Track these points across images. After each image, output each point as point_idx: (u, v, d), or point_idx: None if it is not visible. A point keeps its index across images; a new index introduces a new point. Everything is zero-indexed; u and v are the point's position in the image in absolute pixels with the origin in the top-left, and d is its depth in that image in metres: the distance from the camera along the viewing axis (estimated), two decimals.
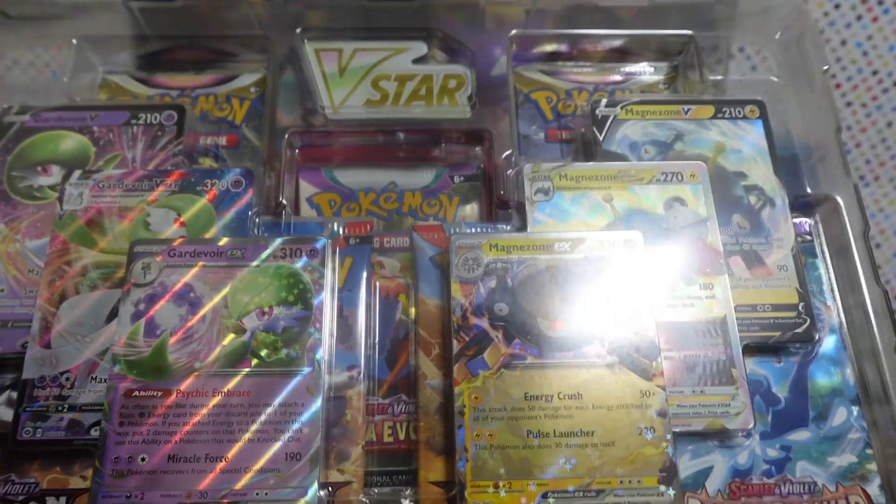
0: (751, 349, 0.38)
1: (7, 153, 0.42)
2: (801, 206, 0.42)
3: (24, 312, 0.37)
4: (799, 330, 0.38)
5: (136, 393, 0.33)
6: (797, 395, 0.38)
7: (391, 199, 0.41)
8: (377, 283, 0.38)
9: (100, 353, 0.36)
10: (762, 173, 0.42)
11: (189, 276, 0.36)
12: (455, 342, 0.35)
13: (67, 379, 0.35)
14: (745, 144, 0.43)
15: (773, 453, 0.36)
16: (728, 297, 0.38)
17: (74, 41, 0.46)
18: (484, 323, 0.35)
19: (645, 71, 0.47)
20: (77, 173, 0.40)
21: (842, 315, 0.40)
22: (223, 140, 0.44)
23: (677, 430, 0.34)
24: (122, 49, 0.47)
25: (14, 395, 0.36)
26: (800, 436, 0.36)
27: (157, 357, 0.34)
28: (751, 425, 0.35)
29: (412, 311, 0.37)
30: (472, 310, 0.35)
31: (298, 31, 0.43)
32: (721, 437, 0.35)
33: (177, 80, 0.47)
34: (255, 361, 0.34)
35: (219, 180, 0.40)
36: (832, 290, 0.41)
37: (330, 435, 0.34)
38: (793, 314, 0.38)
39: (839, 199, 0.42)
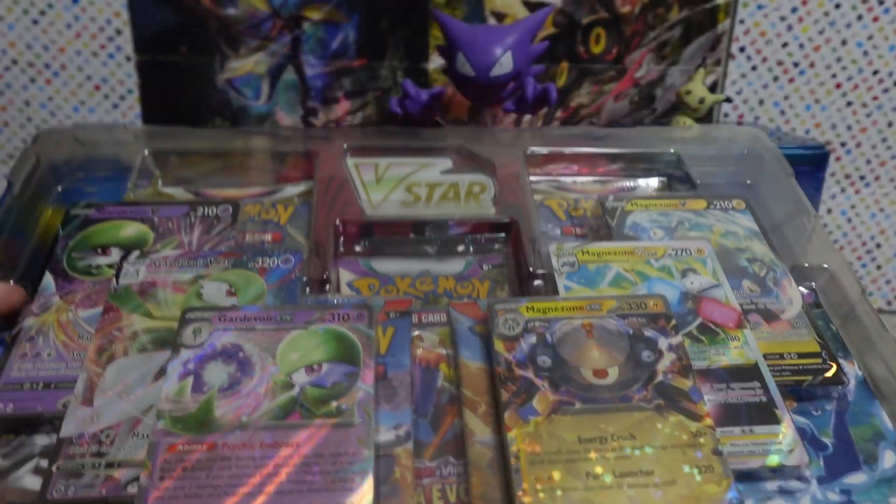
0: (787, 398, 0.39)
1: (69, 238, 0.44)
2: (797, 276, 0.46)
3: (70, 374, 0.37)
4: (828, 374, 0.40)
5: (181, 447, 0.32)
6: (842, 441, 0.39)
7: (426, 282, 0.43)
8: (418, 354, 0.39)
9: (144, 410, 0.35)
10: (760, 249, 0.47)
11: (239, 337, 0.36)
12: (503, 391, 0.35)
13: (107, 436, 0.34)
14: (739, 228, 0.48)
15: (834, 497, 0.36)
16: (755, 346, 0.40)
17: (146, 152, 0.50)
18: (529, 374, 0.36)
19: (640, 185, 0.54)
20: (135, 253, 0.42)
21: (863, 368, 0.42)
22: (268, 237, 0.46)
23: (734, 468, 0.34)
24: (180, 166, 0.52)
25: (43, 462, 0.34)
26: (856, 479, 0.37)
27: (203, 412, 0.33)
28: (806, 460, 0.36)
29: (454, 376, 0.38)
30: (516, 363, 0.36)
31: (345, 146, 0.49)
32: (778, 475, 0.36)
33: (226, 192, 0.50)
34: (303, 414, 0.33)
35: (269, 258, 0.42)
36: (848, 345, 0.44)
37: (379, 494, 0.33)
38: (818, 360, 0.41)
39: (833, 270, 0.46)
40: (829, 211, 0.77)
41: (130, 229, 0.45)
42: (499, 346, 0.37)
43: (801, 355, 0.41)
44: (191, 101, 0.71)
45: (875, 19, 0.71)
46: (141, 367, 0.36)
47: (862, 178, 0.76)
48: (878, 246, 0.78)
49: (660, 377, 0.36)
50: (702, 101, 0.62)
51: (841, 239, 0.78)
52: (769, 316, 0.43)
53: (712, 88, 0.73)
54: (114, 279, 0.41)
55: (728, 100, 0.65)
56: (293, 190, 0.49)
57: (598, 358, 0.37)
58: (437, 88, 0.63)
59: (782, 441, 0.36)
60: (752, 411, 0.37)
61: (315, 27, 0.70)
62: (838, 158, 0.76)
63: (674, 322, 0.39)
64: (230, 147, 0.52)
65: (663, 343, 0.38)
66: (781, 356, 0.41)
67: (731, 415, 0.37)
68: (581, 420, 0.34)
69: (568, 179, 0.53)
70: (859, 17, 0.71)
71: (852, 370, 0.41)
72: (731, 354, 0.39)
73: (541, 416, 0.34)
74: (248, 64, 0.71)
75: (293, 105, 0.72)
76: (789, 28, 0.71)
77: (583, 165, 0.53)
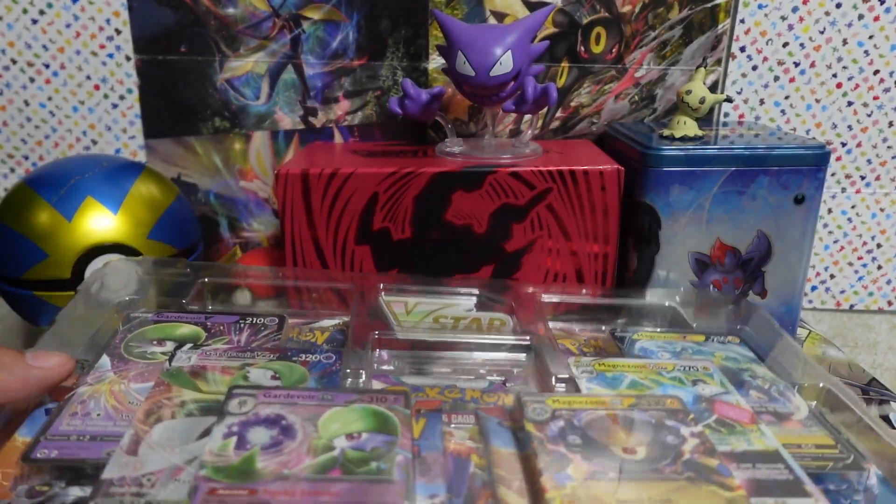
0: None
1: (128, 332, 0.47)
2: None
3: (117, 430, 0.37)
4: (848, 461, 0.40)
5: (221, 490, 0.31)
6: None
7: (454, 391, 0.46)
8: (450, 446, 0.40)
9: (187, 461, 0.35)
10: (760, 370, 0.50)
11: (282, 409, 0.37)
12: (537, 461, 0.36)
13: (149, 480, 0.34)
14: (738, 355, 0.53)
15: None
16: (772, 436, 0.41)
17: (205, 280, 0.55)
18: (561, 448, 0.37)
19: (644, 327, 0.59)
20: (189, 345, 0.45)
21: (883, 469, 0.42)
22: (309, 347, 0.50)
23: None
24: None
25: None
26: None
27: (246, 463, 0.33)
28: None
29: (485, 464, 0.39)
30: (548, 440, 0.37)
31: (380, 286, 0.54)
32: None
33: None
34: (344, 470, 0.34)
35: (312, 354, 0.46)
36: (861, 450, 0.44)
37: None
38: (836, 451, 0.41)
39: (830, 387, 0.48)
40: (830, 211, 0.77)
41: (185, 329, 0.48)
42: (530, 427, 0.38)
43: (818, 446, 0.42)
44: (190, 101, 0.71)
45: (876, 19, 0.71)
46: (187, 428, 0.37)
47: (862, 177, 0.76)
48: (879, 246, 0.78)
49: (687, 456, 0.37)
50: (702, 100, 0.62)
51: (841, 239, 0.78)
52: (781, 417, 0.44)
53: (713, 88, 0.73)
54: (167, 362, 0.43)
55: (728, 99, 0.64)
56: (329, 322, 0.54)
57: (626, 438, 0.38)
58: (437, 88, 0.63)
59: None
60: (781, 486, 0.37)
61: (315, 27, 0.70)
62: (839, 158, 0.75)
63: (692, 416, 0.40)
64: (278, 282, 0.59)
65: (685, 430, 0.39)
66: (799, 446, 0.41)
67: (762, 489, 0.37)
68: (617, 486, 0.35)
69: (576, 327, 0.58)
70: (860, 17, 0.71)
71: (873, 470, 0.41)
72: (751, 442, 0.40)
73: (577, 482, 0.35)
74: (247, 64, 0.71)
75: (293, 105, 0.72)
76: (790, 28, 0.71)
77: (589, 317, 0.59)
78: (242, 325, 0.49)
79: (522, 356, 0.50)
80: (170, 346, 0.46)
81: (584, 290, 0.60)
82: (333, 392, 0.39)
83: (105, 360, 0.43)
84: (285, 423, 0.36)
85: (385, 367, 0.49)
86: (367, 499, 0.32)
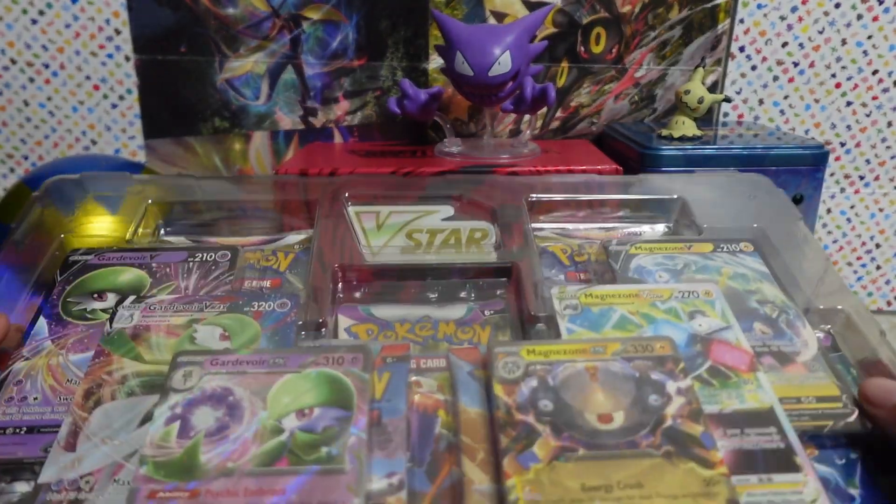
0: (808, 446, 0.37)
1: (67, 284, 0.43)
2: (812, 319, 0.44)
3: (55, 419, 0.36)
4: (850, 419, 0.37)
5: (162, 493, 0.30)
6: (870, 492, 0.36)
7: (426, 327, 0.42)
8: (416, 399, 0.37)
9: (127, 455, 0.33)
10: (771, 291, 0.45)
11: (230, 381, 0.35)
12: (502, 437, 0.33)
13: (87, 483, 0.32)
14: (748, 270, 0.46)
15: None
16: (770, 389, 0.37)
17: (149, 202, 0.50)
18: (530, 418, 0.34)
19: (645, 231, 0.52)
20: (131, 298, 0.41)
21: None
22: (267, 283, 0.46)
23: None
24: (183, 215, 0.51)
25: None
26: None
27: (188, 457, 0.31)
28: None
29: (452, 423, 0.36)
30: (517, 407, 0.34)
31: (345, 196, 0.48)
32: None
33: (227, 241, 0.50)
34: (292, 459, 0.32)
35: (265, 302, 0.41)
36: None
37: None
38: (839, 405, 0.38)
39: (849, 311, 0.44)
40: (829, 211, 0.77)
41: (128, 274, 0.44)
42: (498, 390, 0.35)
43: (819, 399, 0.38)
44: (190, 101, 0.71)
45: (875, 19, 0.71)
46: (128, 411, 0.35)
47: (861, 177, 0.76)
48: (878, 246, 0.78)
49: (668, 422, 0.34)
50: (701, 100, 0.62)
51: (840, 239, 0.78)
52: (783, 359, 0.40)
53: (712, 88, 0.73)
54: (107, 323, 0.40)
55: (727, 99, 0.64)
56: (294, 238, 0.49)
57: (603, 402, 0.35)
58: (436, 88, 0.63)
59: (804, 491, 0.33)
60: (769, 458, 0.34)
61: (315, 27, 0.70)
62: (838, 158, 0.75)
63: (682, 365, 0.37)
64: (232, 197, 0.52)
65: (671, 387, 0.36)
66: (798, 400, 0.38)
67: (747, 462, 0.34)
68: (585, 467, 0.32)
69: (571, 226, 0.52)
70: (859, 17, 0.71)
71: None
72: (744, 398, 0.37)
73: (542, 463, 0.32)
74: (247, 64, 0.71)
75: (292, 105, 0.72)
76: (789, 28, 0.71)
77: (586, 212, 0.52)
78: (191, 265, 0.45)
79: (504, 279, 0.46)
80: (112, 298, 0.42)
81: (579, 180, 0.53)
82: (286, 354, 0.36)
83: (42, 323, 0.40)
84: (232, 399, 0.34)
85: (356, 295, 0.45)
86: (314, 497, 0.30)
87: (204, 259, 0.45)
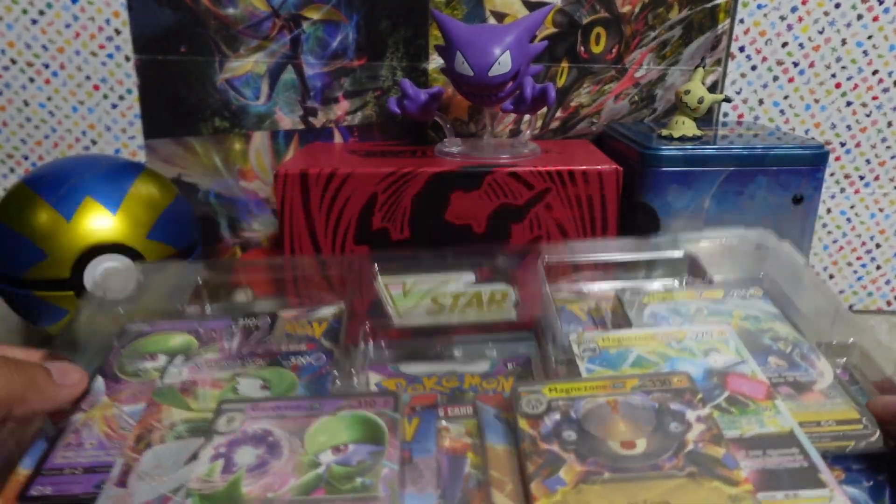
0: (833, 469, 0.37)
1: (122, 347, 0.48)
2: (826, 354, 0.44)
3: (108, 461, 0.38)
4: (872, 439, 0.37)
5: None
6: None
7: (452, 380, 0.45)
8: (445, 443, 0.39)
9: (174, 490, 0.35)
10: (783, 329, 0.46)
11: (270, 423, 0.37)
12: (528, 464, 0.34)
13: None
14: (759, 312, 0.48)
15: None
16: (788, 414, 0.38)
17: (199, 280, 0.55)
18: (554, 447, 0.35)
19: (657, 285, 0.54)
20: (180, 357, 0.46)
21: None
22: (303, 346, 0.49)
23: None
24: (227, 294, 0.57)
25: None
26: None
27: (230, 489, 0.34)
28: None
29: (481, 462, 0.38)
30: (541, 437, 0.36)
31: (375, 268, 0.53)
32: None
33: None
34: (328, 490, 0.34)
35: (302, 357, 0.45)
36: None
37: None
38: (859, 426, 0.38)
39: (863, 345, 0.44)
40: (829, 211, 0.77)
41: (177, 339, 0.49)
42: (523, 424, 0.37)
43: (839, 422, 0.38)
44: (190, 101, 0.71)
45: (875, 19, 0.71)
46: (175, 453, 0.37)
47: (861, 178, 0.76)
48: (878, 246, 0.78)
49: (690, 446, 0.35)
50: (701, 100, 0.62)
51: (841, 239, 0.78)
52: (800, 388, 0.41)
53: (712, 88, 0.73)
54: (158, 379, 0.44)
55: (727, 99, 0.64)
56: (328, 310, 0.53)
57: (625, 430, 0.36)
58: (436, 88, 0.63)
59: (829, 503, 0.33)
60: (793, 476, 0.34)
61: (315, 27, 0.70)
62: (838, 158, 0.75)
63: (700, 395, 0.38)
64: (274, 276, 0.58)
65: (691, 415, 0.36)
66: (818, 423, 0.38)
67: (772, 480, 0.34)
68: (611, 489, 0.33)
69: (586, 288, 0.54)
70: (859, 17, 0.71)
71: None
72: (763, 423, 0.37)
73: (568, 486, 0.33)
74: (247, 64, 0.71)
75: (292, 105, 0.72)
76: (789, 28, 0.71)
77: (600, 273, 0.55)
78: (234, 329, 0.50)
79: (524, 332, 0.48)
80: (163, 359, 0.47)
81: (591, 245, 0.56)
82: (321, 399, 0.39)
83: (99, 381, 0.44)
84: (272, 439, 0.36)
85: (382, 356, 0.48)
86: None
87: (246, 324, 0.50)
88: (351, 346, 0.46)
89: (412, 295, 0.50)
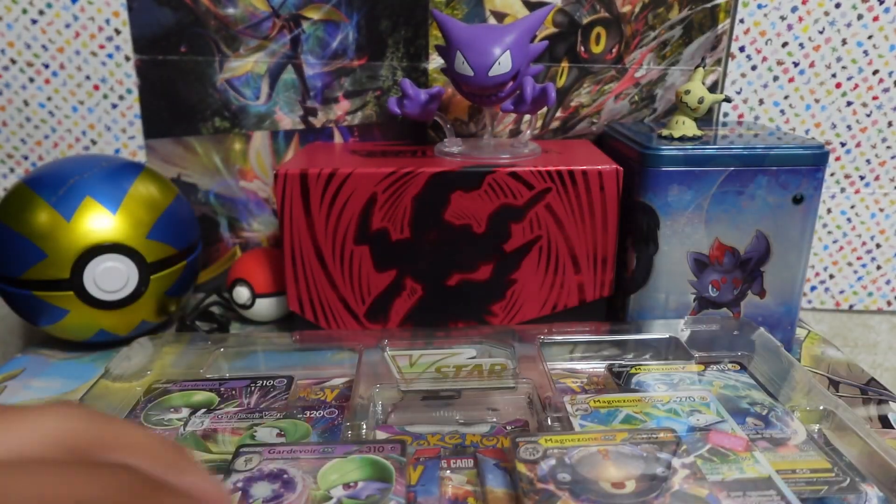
0: None
1: (149, 403, 0.51)
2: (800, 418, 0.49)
3: None
4: (844, 484, 0.41)
5: None
6: None
7: (455, 437, 0.48)
8: (448, 491, 0.42)
9: None
10: (759, 396, 0.51)
11: (285, 464, 0.40)
12: (526, 500, 0.37)
13: None
14: (738, 382, 0.53)
15: None
16: (766, 463, 0.41)
17: (221, 350, 0.59)
18: (550, 487, 0.38)
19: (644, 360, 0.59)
20: (202, 410, 0.49)
21: (885, 491, 0.42)
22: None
23: None
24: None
25: None
26: None
27: None
28: None
29: None
30: (538, 479, 0.39)
31: (384, 342, 0.57)
32: None
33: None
34: None
35: (316, 411, 0.49)
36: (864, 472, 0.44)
37: None
38: (831, 474, 0.41)
39: (836, 410, 0.48)
40: (829, 211, 0.77)
41: (200, 395, 0.52)
42: (521, 467, 0.39)
43: (813, 471, 0.42)
44: (190, 101, 0.71)
45: (875, 19, 0.71)
46: None
47: (862, 177, 0.76)
48: (878, 246, 0.78)
49: (676, 487, 0.38)
50: (701, 100, 0.62)
51: (841, 239, 0.78)
52: (776, 442, 0.44)
53: (712, 88, 0.73)
54: (181, 428, 0.47)
55: (727, 99, 0.64)
56: (339, 381, 0.57)
57: (615, 473, 0.39)
58: (436, 88, 0.63)
59: None
60: None
61: (315, 27, 0.70)
62: (838, 158, 0.75)
63: (685, 447, 0.41)
64: (286, 344, 0.61)
65: (676, 462, 0.40)
66: (794, 471, 0.41)
67: None
68: None
69: (579, 366, 0.58)
70: (859, 17, 0.71)
71: (873, 492, 0.41)
72: (743, 470, 0.41)
73: None
74: (247, 64, 0.71)
75: (293, 105, 0.72)
76: (789, 28, 0.71)
77: (593, 353, 0.60)
78: (253, 389, 0.53)
79: (523, 398, 0.52)
80: (185, 412, 0.49)
81: (585, 328, 0.61)
82: (334, 444, 0.42)
83: None
84: (287, 476, 0.39)
85: (391, 418, 0.51)
86: None
87: (264, 384, 0.53)
88: (361, 403, 0.49)
89: (417, 366, 0.53)
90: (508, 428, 0.49)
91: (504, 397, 0.52)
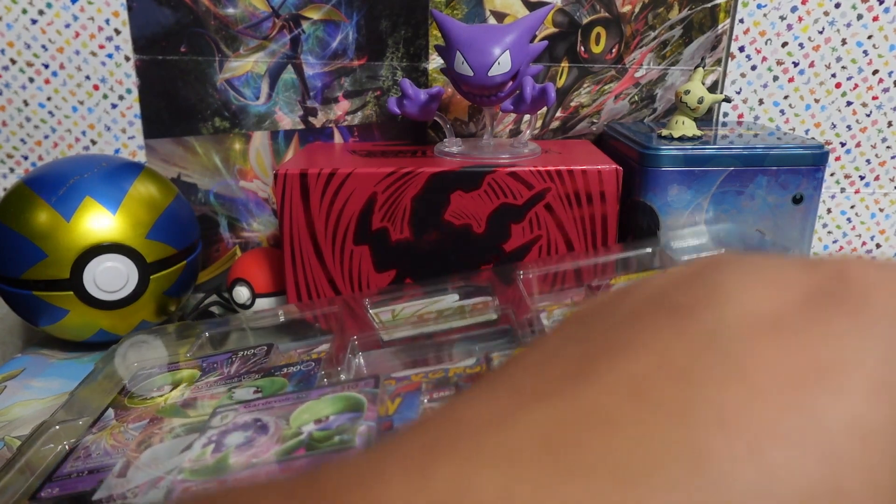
0: None
1: (133, 386, 0.51)
2: None
3: (112, 462, 0.41)
4: None
5: (194, 488, 0.35)
6: None
7: (438, 373, 0.47)
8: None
9: (168, 471, 0.38)
10: None
11: (260, 413, 0.40)
12: None
13: (133, 493, 0.37)
14: None
15: None
16: None
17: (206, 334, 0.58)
18: None
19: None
20: (184, 385, 0.49)
21: None
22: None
23: None
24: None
25: None
26: None
27: (219, 463, 0.36)
28: None
29: None
30: None
31: (366, 302, 0.56)
32: None
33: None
34: (308, 448, 0.36)
35: (294, 367, 0.48)
36: None
37: None
38: None
39: None
40: (829, 211, 0.77)
41: (184, 373, 0.52)
42: None
43: None
44: (190, 101, 0.71)
45: (875, 19, 0.71)
46: (173, 448, 0.40)
47: (862, 177, 0.76)
48: (878, 246, 0.78)
49: None
50: (701, 100, 0.62)
51: (841, 239, 0.78)
52: None
53: (712, 88, 0.73)
54: (162, 401, 0.47)
55: (727, 99, 0.64)
56: (324, 346, 0.56)
57: None
58: (436, 88, 0.63)
59: None
60: None
61: (315, 27, 0.70)
62: (838, 158, 0.75)
63: None
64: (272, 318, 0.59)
65: None
66: None
67: None
68: None
69: (561, 296, 0.57)
70: (859, 17, 0.71)
71: None
72: None
73: None
74: (247, 64, 0.71)
75: (292, 105, 0.72)
76: (789, 28, 0.71)
77: (573, 280, 0.58)
78: (234, 359, 0.53)
79: (506, 327, 0.51)
80: (167, 389, 0.50)
81: (563, 260, 0.60)
82: (308, 391, 0.42)
83: (110, 411, 0.47)
84: (260, 423, 0.39)
85: (372, 364, 0.50)
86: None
87: (244, 354, 0.53)
88: (340, 355, 0.48)
89: (399, 317, 0.53)
90: (493, 355, 0.49)
91: (489, 330, 0.51)
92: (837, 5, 0.70)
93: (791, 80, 0.73)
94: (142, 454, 0.39)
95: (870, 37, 0.71)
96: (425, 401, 0.41)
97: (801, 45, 0.72)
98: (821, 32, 0.71)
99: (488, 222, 0.60)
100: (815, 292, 0.16)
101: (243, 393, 0.45)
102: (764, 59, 0.72)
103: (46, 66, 0.70)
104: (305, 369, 0.47)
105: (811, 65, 0.72)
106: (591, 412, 0.14)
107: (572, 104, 0.73)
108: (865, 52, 0.72)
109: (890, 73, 0.72)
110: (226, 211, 0.75)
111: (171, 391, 0.49)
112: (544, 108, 0.68)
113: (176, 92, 0.71)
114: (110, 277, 0.58)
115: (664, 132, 0.63)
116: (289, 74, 0.71)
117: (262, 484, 0.15)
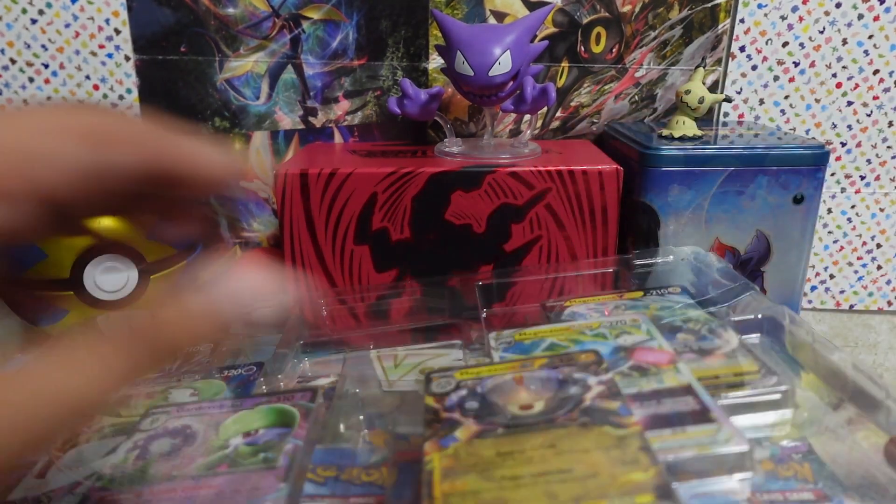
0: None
1: None
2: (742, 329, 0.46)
3: (34, 461, 0.39)
4: (770, 382, 0.39)
5: (110, 498, 0.34)
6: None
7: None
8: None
9: (87, 476, 0.36)
10: (696, 314, 0.47)
11: (191, 420, 0.39)
12: (426, 430, 0.35)
13: (48, 497, 0.36)
14: (675, 304, 0.49)
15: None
16: (688, 372, 0.39)
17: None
18: (455, 415, 0.36)
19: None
20: None
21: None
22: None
23: (669, 458, 0.32)
24: None
25: None
26: None
27: (139, 472, 0.35)
28: (745, 448, 0.33)
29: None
30: (444, 409, 0.36)
31: (371, 346, 0.54)
32: (719, 467, 0.33)
33: None
34: (231, 465, 0.35)
35: (235, 369, 0.47)
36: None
37: None
38: (757, 375, 0.39)
39: (779, 318, 0.46)
40: (830, 211, 0.77)
41: None
42: (429, 400, 0.37)
43: (738, 374, 0.40)
44: (190, 101, 0.71)
45: (875, 19, 0.71)
46: (98, 449, 0.39)
47: (862, 177, 0.76)
48: (878, 246, 0.78)
49: (587, 403, 0.35)
50: (701, 100, 0.62)
51: (841, 239, 0.78)
52: (704, 353, 0.42)
53: (713, 88, 0.73)
54: None
55: (728, 99, 0.64)
56: (324, 381, 0.55)
57: (526, 397, 0.37)
58: (436, 88, 0.63)
59: (717, 434, 0.33)
60: (684, 417, 0.35)
61: (315, 27, 0.70)
62: (838, 158, 0.75)
63: (605, 365, 0.39)
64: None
65: (592, 380, 0.37)
66: (717, 377, 0.39)
67: (662, 421, 0.35)
68: (502, 440, 0.33)
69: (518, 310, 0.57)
70: (860, 17, 0.71)
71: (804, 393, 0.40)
72: (663, 381, 0.38)
73: (461, 442, 0.34)
74: (247, 64, 0.71)
75: (293, 105, 0.72)
76: (790, 27, 0.71)
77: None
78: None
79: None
80: None
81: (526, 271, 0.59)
82: (243, 399, 0.41)
83: None
84: (190, 431, 0.38)
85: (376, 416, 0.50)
86: (244, 486, 0.33)
87: (189, 350, 0.51)
88: (281, 353, 0.47)
89: (402, 367, 0.52)
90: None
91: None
92: (838, 5, 0.70)
93: (792, 79, 0.73)
94: (65, 454, 0.39)
95: (870, 36, 0.71)
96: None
97: (801, 44, 0.72)
98: (821, 32, 0.71)
99: (489, 222, 0.60)
100: None
101: (179, 395, 0.45)
102: (764, 58, 0.72)
103: (46, 66, 0.70)
104: (246, 374, 0.46)
105: (812, 64, 0.72)
106: None
107: (572, 104, 0.73)
108: (866, 52, 0.72)
109: (891, 73, 0.72)
110: (226, 211, 0.75)
111: None
112: (544, 108, 0.68)
113: (176, 92, 0.71)
114: (110, 277, 0.58)
115: (664, 132, 0.63)
116: (289, 74, 0.71)
117: None
